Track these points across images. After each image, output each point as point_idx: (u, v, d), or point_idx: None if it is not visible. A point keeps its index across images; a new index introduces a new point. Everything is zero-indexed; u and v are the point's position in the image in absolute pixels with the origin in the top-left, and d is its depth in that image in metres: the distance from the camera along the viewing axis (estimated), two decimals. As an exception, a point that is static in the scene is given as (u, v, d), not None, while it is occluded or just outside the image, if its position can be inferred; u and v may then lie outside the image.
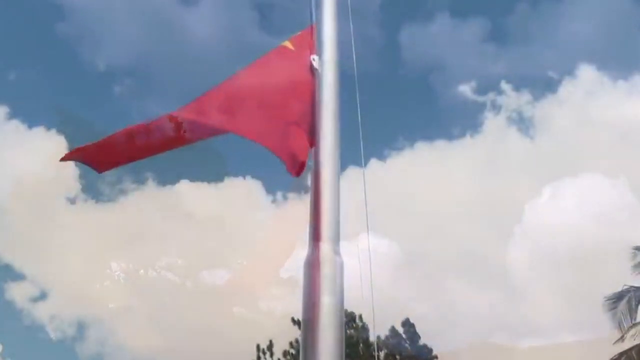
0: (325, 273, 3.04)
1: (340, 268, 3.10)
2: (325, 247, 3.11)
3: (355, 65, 3.73)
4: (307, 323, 2.96)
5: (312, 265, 3.08)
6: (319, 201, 3.22)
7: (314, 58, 3.57)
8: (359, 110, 3.71)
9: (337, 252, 3.13)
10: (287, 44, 3.75)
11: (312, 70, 3.57)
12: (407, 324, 25.48)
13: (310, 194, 3.28)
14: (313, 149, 3.38)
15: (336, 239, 3.16)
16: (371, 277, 3.37)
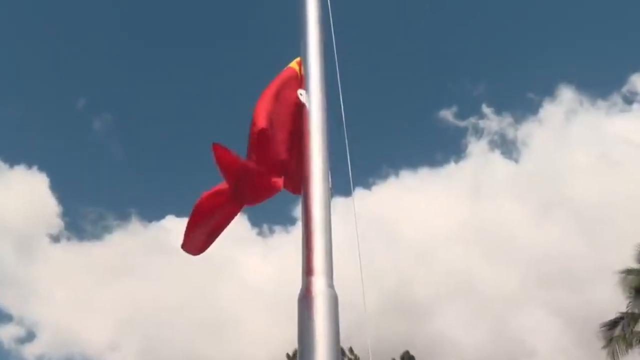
0: (319, 307, 3.03)
1: (334, 302, 3.09)
2: (318, 280, 3.11)
3: (341, 99, 3.75)
4: (303, 358, 2.94)
5: (306, 300, 3.07)
6: (310, 234, 3.22)
7: (301, 92, 3.60)
8: (347, 146, 3.72)
9: (330, 285, 3.12)
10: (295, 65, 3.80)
11: (299, 104, 3.60)
12: (407, 357, 25.17)
13: (301, 227, 3.29)
14: (302, 182, 3.40)
15: (329, 272, 3.16)
16: (365, 309, 3.36)
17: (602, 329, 22.88)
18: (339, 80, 3.75)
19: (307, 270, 3.15)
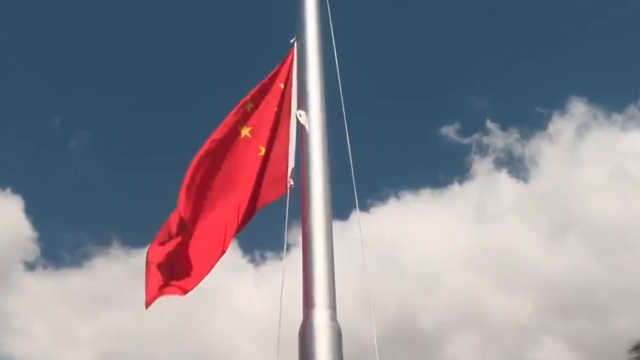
0: (322, 342, 2.84)
1: (338, 336, 2.90)
2: (320, 313, 2.92)
3: (345, 122, 3.60)
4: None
5: (308, 334, 2.89)
6: (311, 264, 3.04)
7: (300, 114, 3.44)
8: (354, 182, 3.56)
9: (333, 318, 2.93)
10: (245, 131, 3.97)
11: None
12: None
13: (301, 256, 3.10)
14: (302, 207, 3.23)
15: (332, 305, 2.97)
16: (375, 344, 3.15)
17: (631, 354, 21.97)
18: (343, 105, 3.60)
19: (308, 303, 2.96)
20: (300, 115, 3.43)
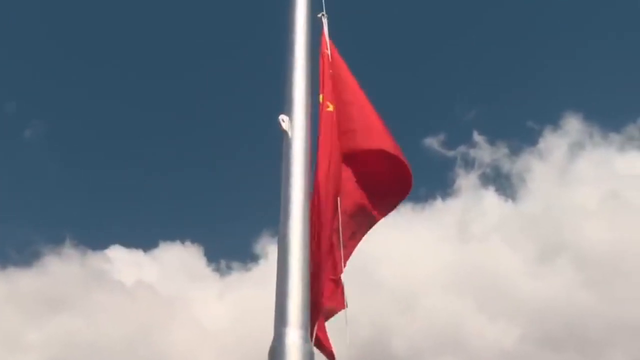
0: (293, 364, 2.65)
1: (310, 358, 2.72)
2: (293, 333, 2.75)
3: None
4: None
5: (279, 354, 2.71)
6: (287, 280, 2.86)
7: (283, 119, 3.26)
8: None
9: (306, 339, 2.77)
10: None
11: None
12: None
13: (276, 271, 2.92)
14: (280, 221, 3.05)
15: (305, 325, 2.80)
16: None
17: None
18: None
19: (281, 320, 2.79)
20: (283, 121, 3.26)
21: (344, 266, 3.64)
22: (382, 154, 4.02)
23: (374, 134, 4.03)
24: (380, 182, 4.03)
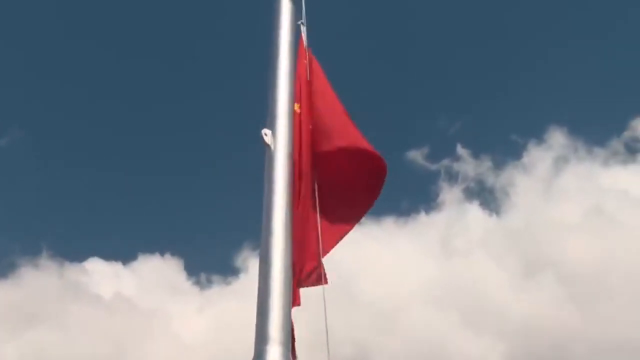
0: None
1: (291, 377, 2.68)
2: (273, 350, 2.70)
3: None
4: None
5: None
6: (268, 295, 2.81)
7: (266, 132, 3.23)
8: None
9: (287, 357, 2.72)
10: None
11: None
12: None
13: (257, 286, 2.88)
14: (262, 235, 3.01)
15: (287, 342, 2.76)
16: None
17: None
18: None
19: (261, 337, 2.74)
20: (265, 135, 3.23)
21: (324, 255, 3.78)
22: (354, 152, 4.04)
23: (348, 134, 4.05)
24: (354, 182, 4.08)
